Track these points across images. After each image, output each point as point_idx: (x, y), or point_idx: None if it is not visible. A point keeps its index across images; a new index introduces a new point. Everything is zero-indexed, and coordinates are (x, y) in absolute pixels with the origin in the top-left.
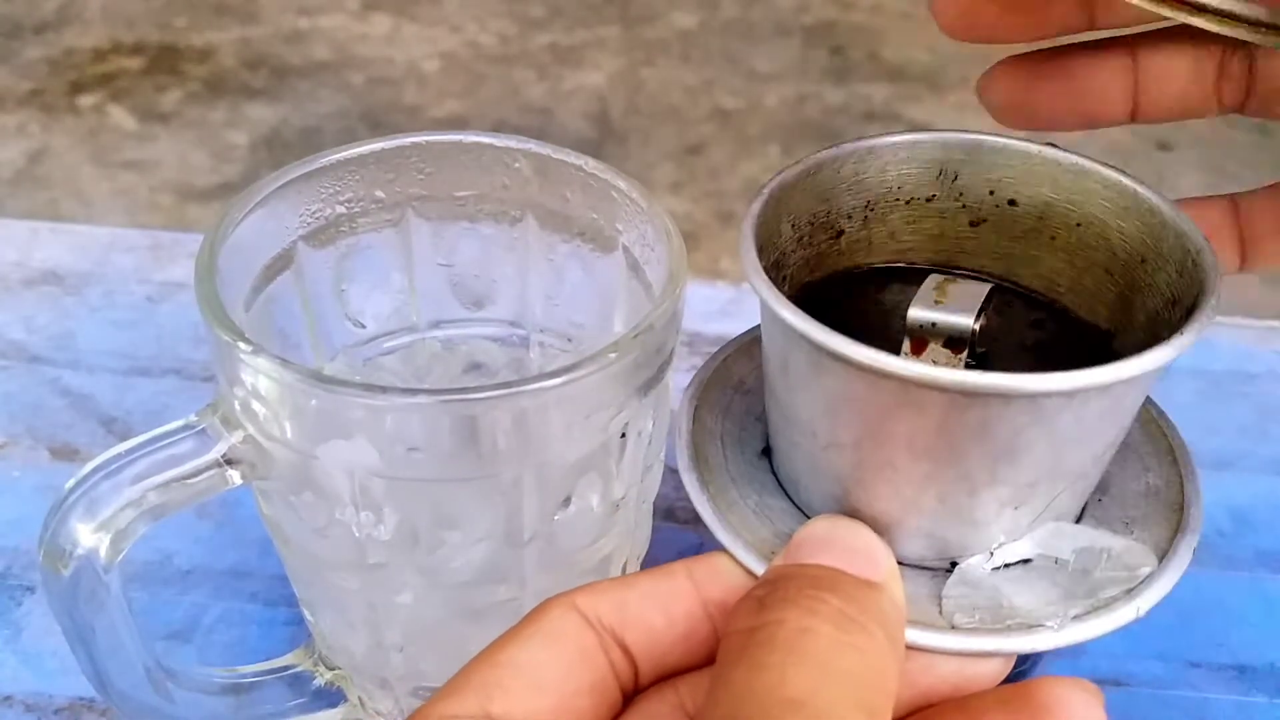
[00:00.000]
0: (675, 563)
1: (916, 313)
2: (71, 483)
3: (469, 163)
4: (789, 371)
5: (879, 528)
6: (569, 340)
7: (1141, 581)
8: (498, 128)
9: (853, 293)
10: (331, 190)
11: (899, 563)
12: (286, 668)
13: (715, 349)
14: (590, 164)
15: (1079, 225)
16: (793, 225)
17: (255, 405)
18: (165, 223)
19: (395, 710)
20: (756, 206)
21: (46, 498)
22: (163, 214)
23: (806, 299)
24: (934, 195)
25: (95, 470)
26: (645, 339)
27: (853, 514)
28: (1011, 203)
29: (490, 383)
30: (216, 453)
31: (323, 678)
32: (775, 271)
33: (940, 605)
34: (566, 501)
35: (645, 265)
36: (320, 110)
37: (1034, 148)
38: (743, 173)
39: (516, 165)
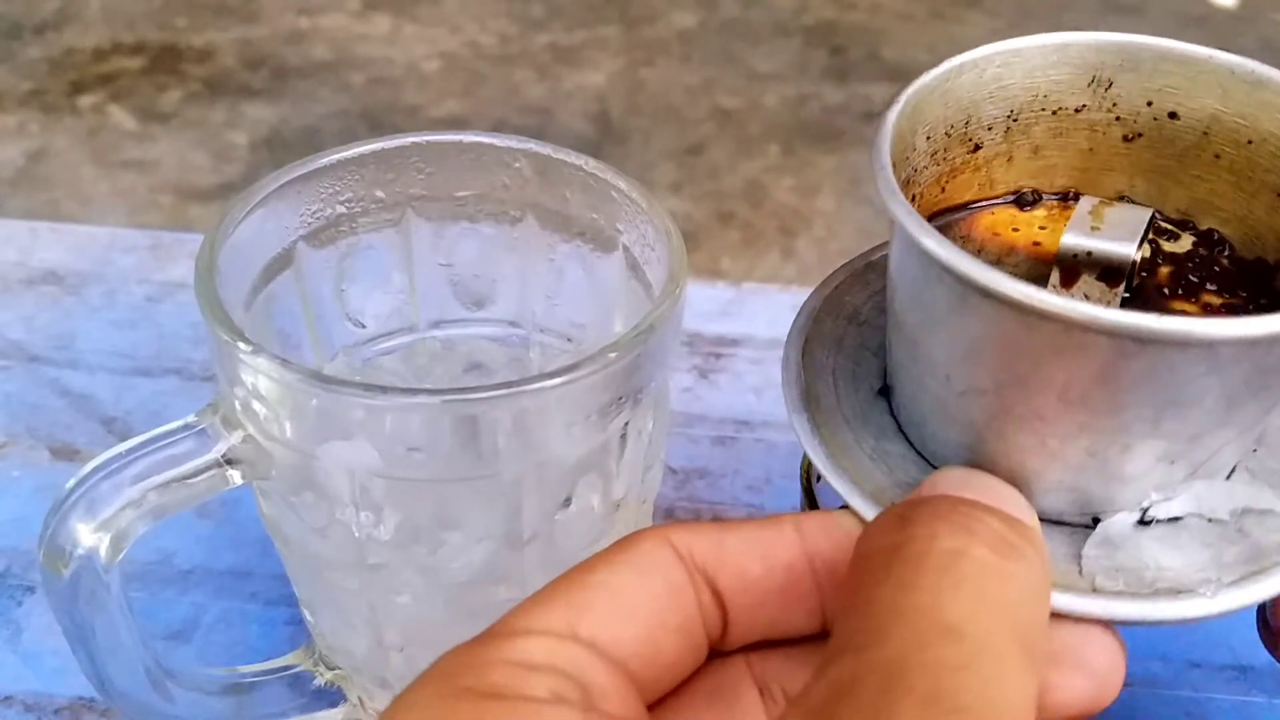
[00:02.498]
0: (784, 514)
1: (1071, 239)
2: (71, 483)
3: (469, 163)
4: (924, 306)
5: (1015, 481)
6: (569, 340)
7: None
8: (498, 128)
9: (983, 217)
10: (331, 190)
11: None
12: (286, 668)
13: (718, 348)
14: (590, 164)
15: (1250, 143)
16: (927, 138)
17: (255, 405)
18: (165, 223)
19: None
20: (892, 116)
21: (46, 498)
22: (163, 214)
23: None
24: (1084, 105)
25: (95, 470)
26: (645, 339)
27: (985, 465)
28: (1172, 115)
29: (490, 383)
30: (216, 453)
31: (323, 678)
32: (906, 190)
33: (1080, 565)
34: (566, 501)
35: (645, 265)
36: (320, 110)
37: (1203, 52)
38: (743, 173)
39: (516, 165)
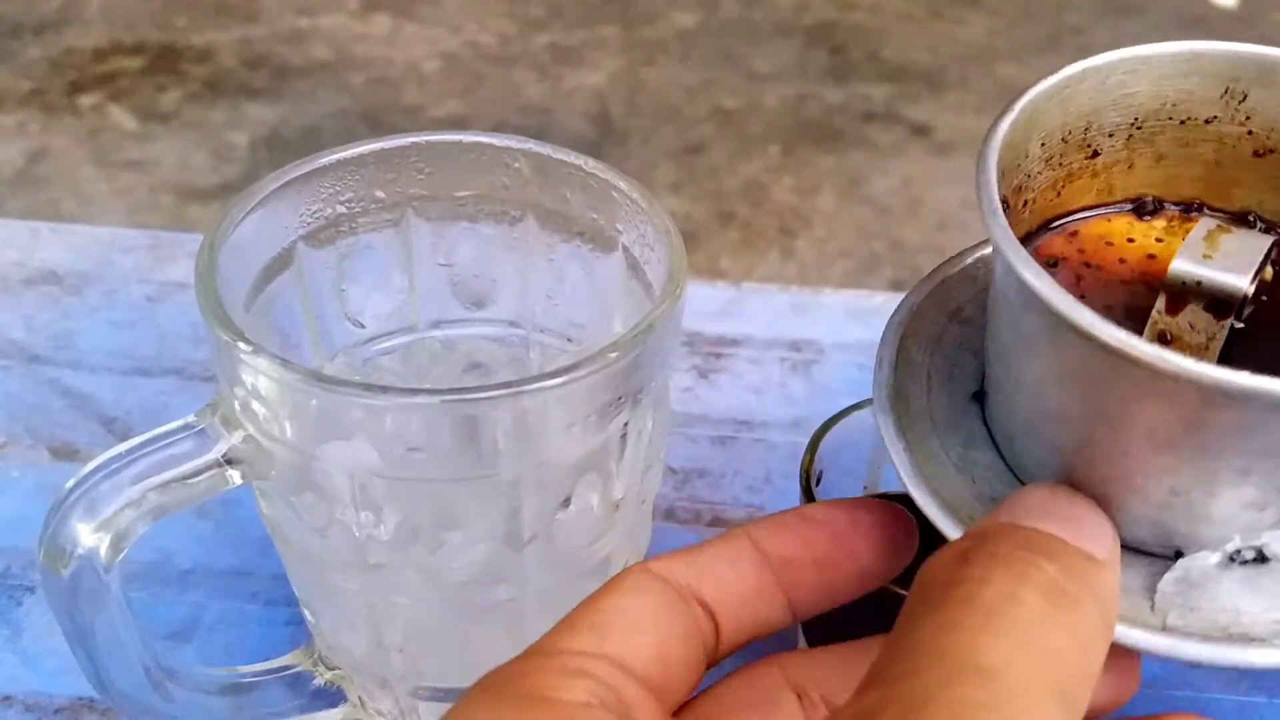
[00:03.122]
0: (735, 527)
1: (1181, 265)
2: (71, 483)
3: (469, 163)
4: (1018, 328)
5: (1100, 505)
6: (569, 340)
7: None
8: (498, 128)
9: (1099, 226)
10: (331, 190)
11: None
12: (286, 668)
13: (718, 348)
14: (590, 164)
15: None
16: (1042, 144)
17: (255, 405)
18: (165, 223)
19: (395, 710)
20: (1003, 127)
21: (46, 498)
22: (163, 214)
23: (1047, 229)
24: (1215, 117)
25: (95, 470)
26: (645, 339)
27: (1072, 486)
28: None
29: (490, 383)
30: (216, 453)
31: (323, 678)
32: (1017, 196)
33: (1153, 600)
34: (566, 501)
35: (645, 265)
36: (320, 110)
37: None
38: (743, 173)
39: (516, 165)
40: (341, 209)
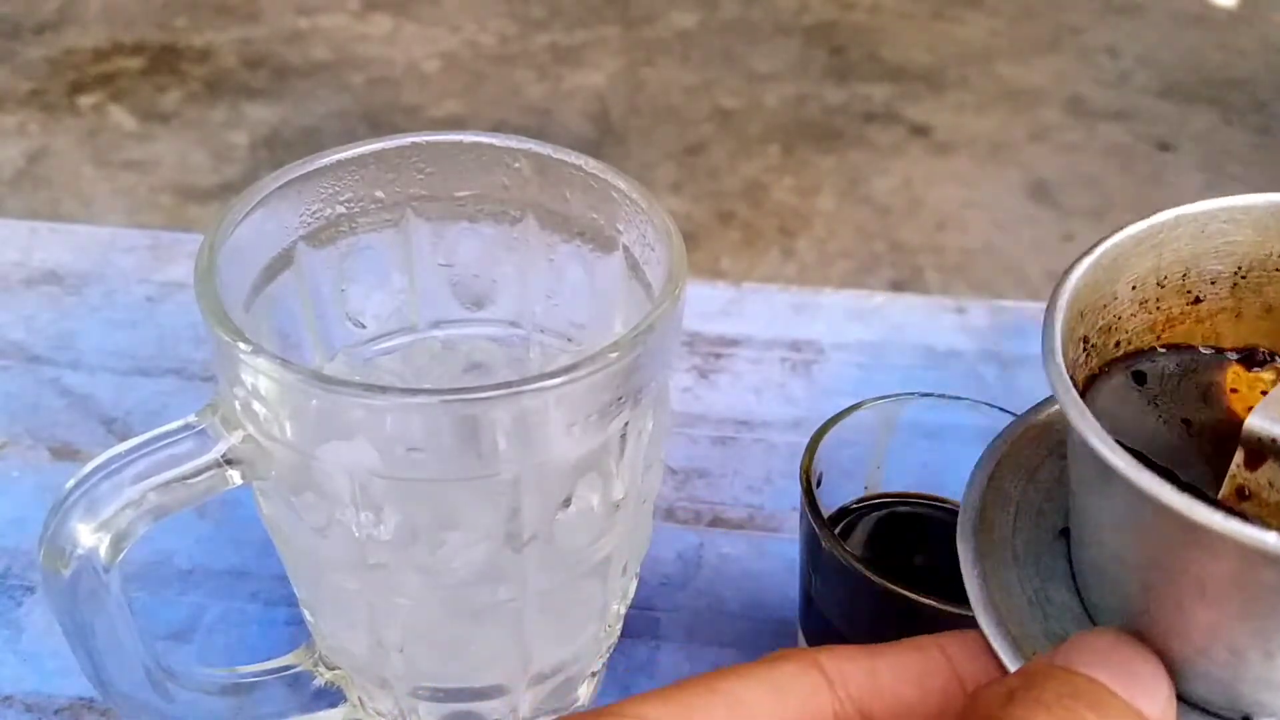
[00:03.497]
0: (925, 636)
1: (1257, 422)
2: (71, 483)
3: (469, 163)
4: (1078, 469)
5: (1164, 658)
6: (569, 340)
7: None
8: (498, 128)
9: (1199, 368)
10: (331, 190)
11: (1182, 700)
12: (286, 668)
13: (718, 348)
14: (590, 164)
15: None
16: (1133, 287)
17: (255, 405)
18: (165, 223)
19: (395, 710)
20: (1081, 268)
21: (46, 498)
22: (163, 214)
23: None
24: None
25: (95, 470)
26: (645, 339)
27: (1138, 634)
28: None
29: (490, 383)
30: (216, 453)
31: (323, 678)
32: (1103, 336)
33: None
34: (566, 501)
35: (645, 265)
36: (320, 110)
37: None
38: (743, 173)
39: (516, 165)
40: (341, 209)
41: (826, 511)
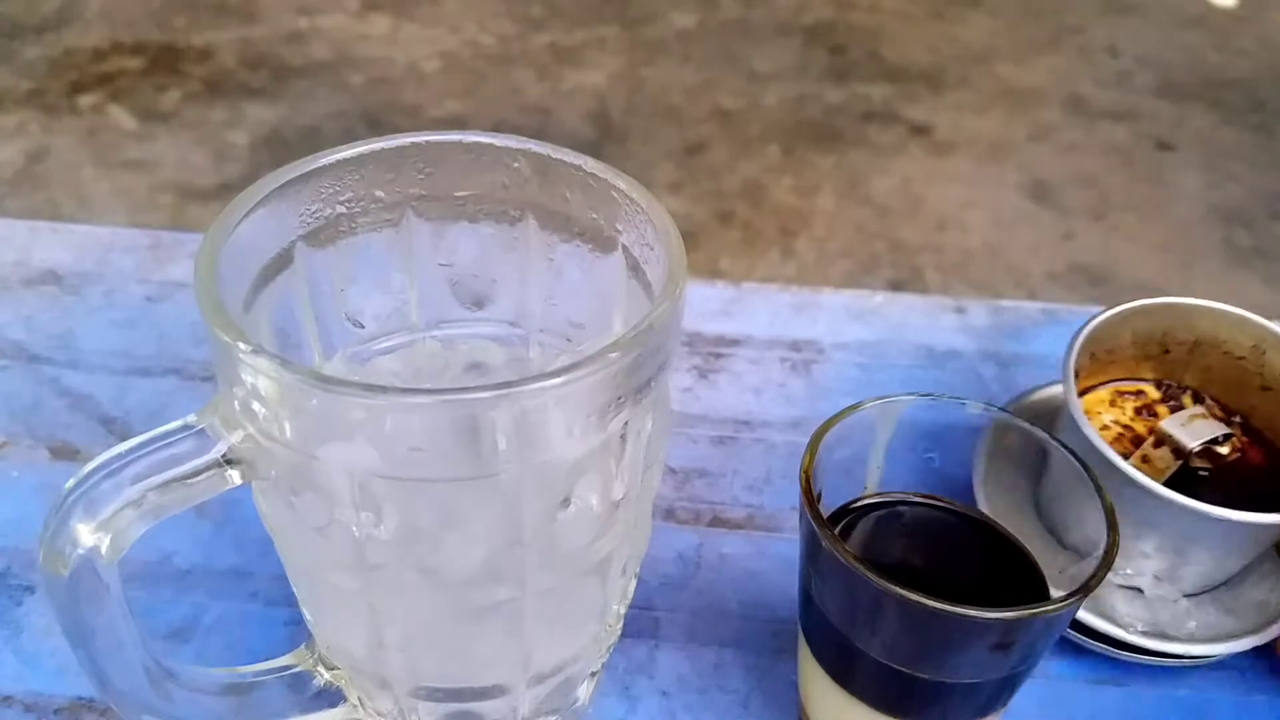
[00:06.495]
0: None
1: (1167, 425)
2: (71, 483)
3: (469, 163)
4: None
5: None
6: (569, 340)
7: None
8: (498, 128)
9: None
10: (331, 190)
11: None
12: (286, 668)
13: (718, 348)
14: (590, 164)
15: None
16: (1133, 333)
17: (255, 405)
18: (165, 223)
19: (395, 710)
20: (1097, 321)
21: (46, 498)
22: (163, 214)
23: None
24: (1243, 357)
25: (95, 470)
26: (645, 339)
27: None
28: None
29: (490, 383)
30: (216, 453)
31: (322, 678)
32: (1105, 354)
33: None
34: (566, 501)
35: (645, 265)
36: (320, 110)
37: None
38: (743, 173)
39: (516, 165)
40: (341, 209)
41: (826, 511)
